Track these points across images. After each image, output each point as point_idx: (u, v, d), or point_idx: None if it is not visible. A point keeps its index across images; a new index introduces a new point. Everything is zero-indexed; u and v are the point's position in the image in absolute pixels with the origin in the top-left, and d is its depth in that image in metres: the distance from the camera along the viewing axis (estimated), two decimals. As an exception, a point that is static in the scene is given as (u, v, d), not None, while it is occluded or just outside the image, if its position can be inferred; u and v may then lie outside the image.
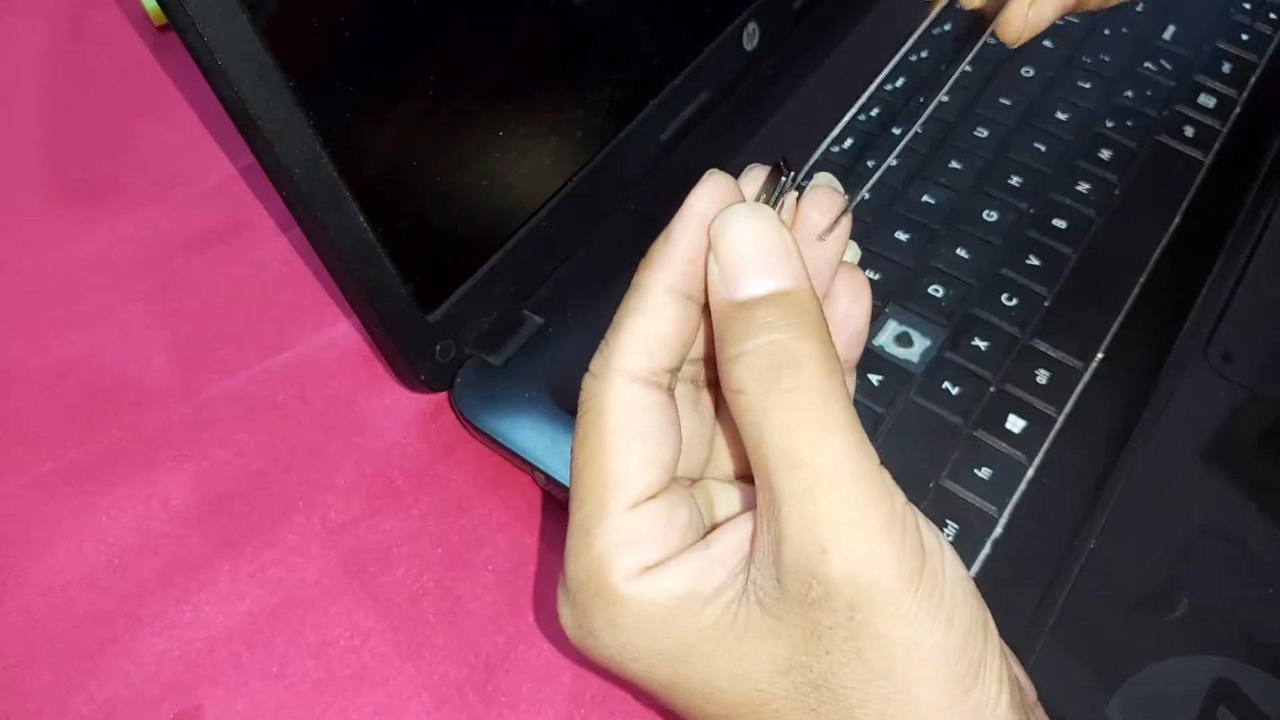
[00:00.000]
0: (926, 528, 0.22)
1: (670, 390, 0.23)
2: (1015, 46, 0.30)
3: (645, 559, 0.22)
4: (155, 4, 0.45)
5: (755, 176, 0.24)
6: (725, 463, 0.26)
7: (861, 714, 0.21)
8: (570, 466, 0.23)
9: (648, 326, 0.22)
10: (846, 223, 0.24)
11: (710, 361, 0.25)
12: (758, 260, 0.21)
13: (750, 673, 0.21)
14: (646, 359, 0.22)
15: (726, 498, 0.25)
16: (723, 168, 0.23)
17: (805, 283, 0.22)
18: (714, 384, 0.26)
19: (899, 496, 0.21)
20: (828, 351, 0.21)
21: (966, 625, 0.21)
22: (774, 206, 0.23)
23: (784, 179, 0.23)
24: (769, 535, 0.21)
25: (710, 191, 0.23)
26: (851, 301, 0.25)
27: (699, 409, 0.25)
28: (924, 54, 0.44)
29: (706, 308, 0.23)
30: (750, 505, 0.24)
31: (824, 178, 0.24)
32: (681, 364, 0.23)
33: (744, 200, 0.23)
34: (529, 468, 0.33)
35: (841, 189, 0.24)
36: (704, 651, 0.22)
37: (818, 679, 0.21)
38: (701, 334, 0.24)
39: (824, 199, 0.24)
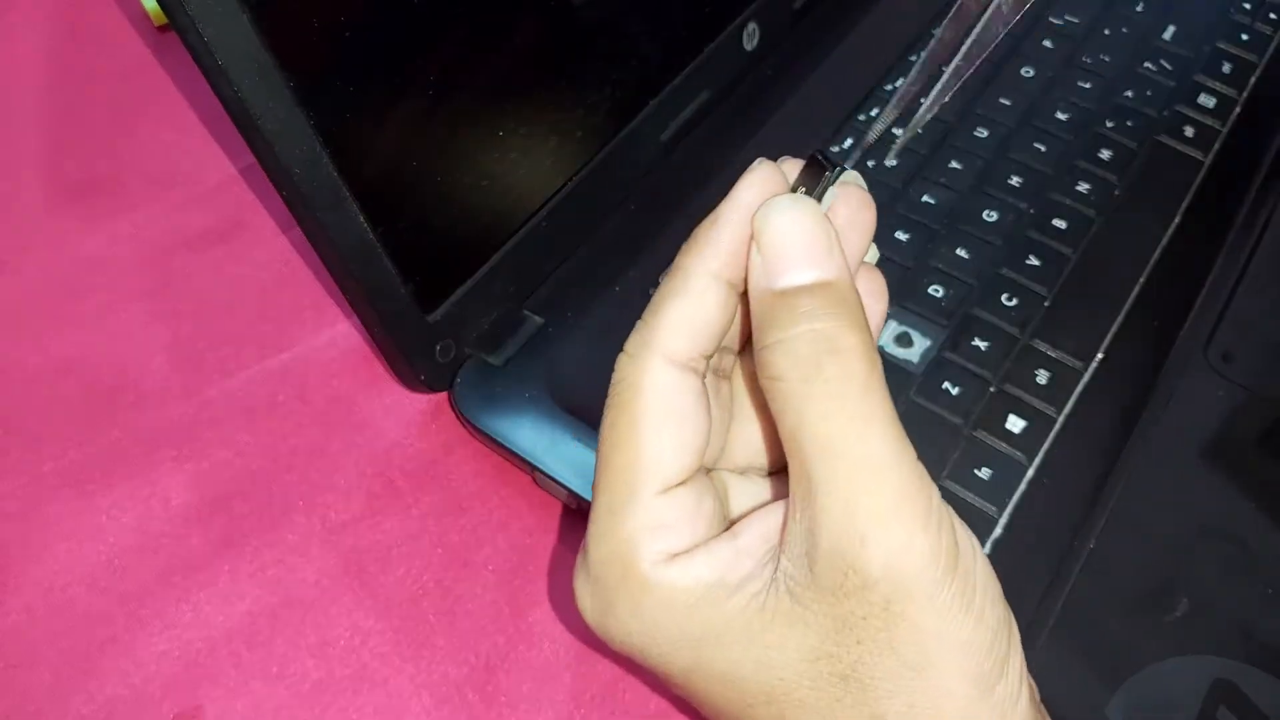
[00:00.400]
0: (960, 526, 0.22)
1: (703, 376, 0.23)
2: None
3: (674, 545, 0.22)
4: (155, 4, 0.45)
5: (790, 167, 0.24)
6: (738, 454, 0.26)
7: (888, 705, 0.21)
8: (598, 445, 0.23)
9: (691, 309, 0.22)
10: (871, 221, 0.24)
11: (735, 351, 0.25)
12: (800, 251, 0.22)
13: (775, 661, 0.21)
14: (687, 342, 0.22)
15: (739, 489, 0.25)
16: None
17: (847, 276, 0.22)
18: (742, 374, 0.26)
19: (935, 492, 0.21)
20: (869, 343, 0.21)
21: (995, 623, 0.21)
22: (817, 199, 0.23)
23: (827, 173, 0.23)
24: (802, 524, 0.21)
25: (758, 180, 0.23)
26: (872, 301, 0.25)
27: (718, 398, 0.25)
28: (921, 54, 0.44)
29: (743, 297, 0.23)
30: (770, 497, 0.24)
31: (850, 175, 0.24)
32: (717, 351, 0.23)
33: (790, 191, 0.23)
34: (529, 468, 0.33)
35: (865, 186, 0.24)
36: (728, 640, 0.22)
37: (846, 669, 0.21)
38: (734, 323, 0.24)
39: (852, 196, 0.24)
